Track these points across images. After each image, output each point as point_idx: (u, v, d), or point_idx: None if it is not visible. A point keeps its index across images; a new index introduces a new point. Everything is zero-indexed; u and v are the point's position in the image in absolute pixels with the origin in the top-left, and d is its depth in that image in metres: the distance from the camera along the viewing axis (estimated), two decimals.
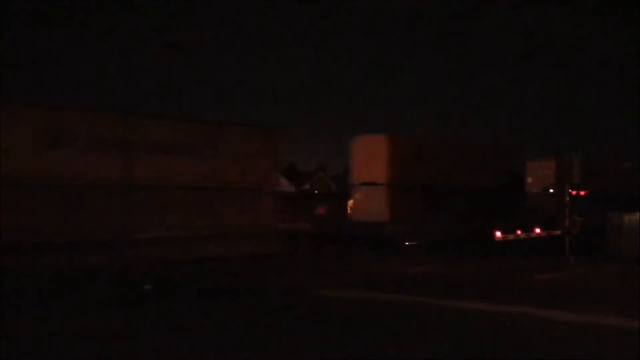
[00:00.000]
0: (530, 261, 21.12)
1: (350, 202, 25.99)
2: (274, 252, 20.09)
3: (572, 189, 21.15)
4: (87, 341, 9.68)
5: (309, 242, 22.94)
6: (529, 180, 33.73)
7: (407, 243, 25.38)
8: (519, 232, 27.82)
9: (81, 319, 11.14)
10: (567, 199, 20.92)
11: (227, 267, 18.18)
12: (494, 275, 17.78)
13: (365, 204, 25.07)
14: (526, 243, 26.64)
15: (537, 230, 28.60)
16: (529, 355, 9.11)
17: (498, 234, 26.71)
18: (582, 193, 21.47)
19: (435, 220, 25.66)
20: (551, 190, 29.86)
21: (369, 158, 25.16)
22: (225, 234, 18.83)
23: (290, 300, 13.20)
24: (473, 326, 10.89)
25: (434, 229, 25.40)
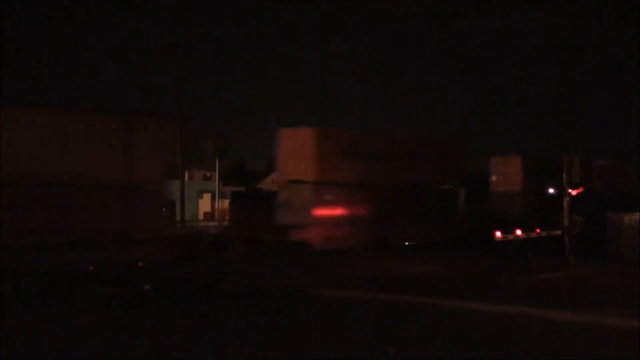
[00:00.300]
0: (530, 261, 21.10)
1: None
2: (153, 260, 17.21)
3: (572, 189, 21.12)
4: (87, 341, 9.68)
5: (208, 247, 19.89)
6: (493, 178, 31.18)
7: (407, 243, 25.32)
8: (518, 232, 27.78)
9: (81, 319, 11.14)
10: (567, 198, 20.91)
11: (227, 267, 18.17)
12: (494, 275, 17.76)
13: (291, 204, 22.85)
14: (526, 243, 26.61)
15: (537, 230, 28.58)
16: (529, 355, 9.11)
17: (498, 234, 26.69)
18: (573, 193, 21.29)
19: (375, 221, 23.82)
20: (551, 191, 29.70)
21: (296, 153, 23.01)
22: (95, 239, 16.33)
23: (290, 300, 13.19)
24: (473, 326, 10.89)
25: (369, 231, 23.65)
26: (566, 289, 15.40)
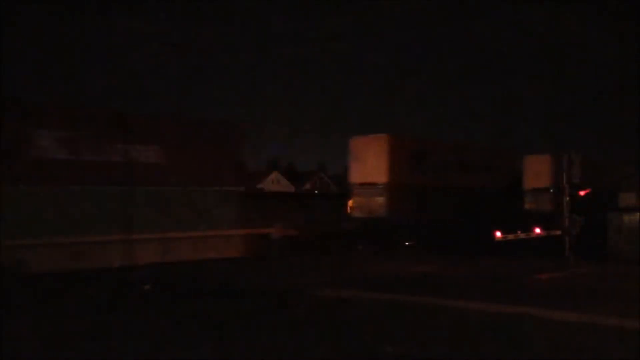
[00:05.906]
0: (530, 261, 21.11)
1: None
2: None
3: (578, 190, 21.15)
4: (87, 341, 9.69)
5: None
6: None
7: (407, 243, 25.36)
8: (519, 232, 27.80)
9: (81, 319, 11.14)
10: (567, 198, 20.90)
11: (227, 267, 18.18)
12: (494, 275, 17.77)
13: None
14: (526, 243, 26.63)
15: (537, 230, 28.60)
16: (529, 355, 9.10)
17: (498, 234, 26.71)
18: (582, 193, 21.37)
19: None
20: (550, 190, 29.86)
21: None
22: None
23: (290, 300, 13.19)
24: (473, 326, 10.89)
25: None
26: (566, 289, 15.40)
